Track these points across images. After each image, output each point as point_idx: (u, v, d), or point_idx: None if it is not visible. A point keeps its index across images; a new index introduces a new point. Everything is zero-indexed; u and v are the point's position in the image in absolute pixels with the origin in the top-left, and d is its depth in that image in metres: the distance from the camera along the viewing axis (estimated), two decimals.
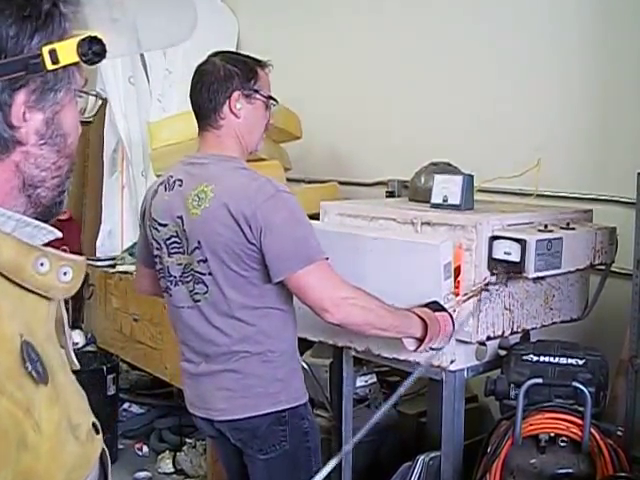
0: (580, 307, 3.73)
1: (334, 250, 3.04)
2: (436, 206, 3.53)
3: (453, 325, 3.06)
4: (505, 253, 3.21)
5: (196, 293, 2.97)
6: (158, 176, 5.20)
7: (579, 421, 3.11)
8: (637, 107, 3.98)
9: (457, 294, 3.24)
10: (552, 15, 4.36)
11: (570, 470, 3.08)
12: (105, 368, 5.51)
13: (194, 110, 3.04)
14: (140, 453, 5.67)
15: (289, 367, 3.05)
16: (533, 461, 3.11)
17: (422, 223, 3.39)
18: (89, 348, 5.91)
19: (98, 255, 6.12)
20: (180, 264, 2.99)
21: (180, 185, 2.97)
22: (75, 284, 1.25)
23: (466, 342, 3.32)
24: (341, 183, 5.37)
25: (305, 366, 3.99)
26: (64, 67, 1.22)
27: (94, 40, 1.23)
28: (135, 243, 5.74)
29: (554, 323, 3.63)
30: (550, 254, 3.25)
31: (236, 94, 2.97)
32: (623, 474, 3.05)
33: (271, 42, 6.17)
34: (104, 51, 1.24)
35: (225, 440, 3.13)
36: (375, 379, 4.27)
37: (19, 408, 1.07)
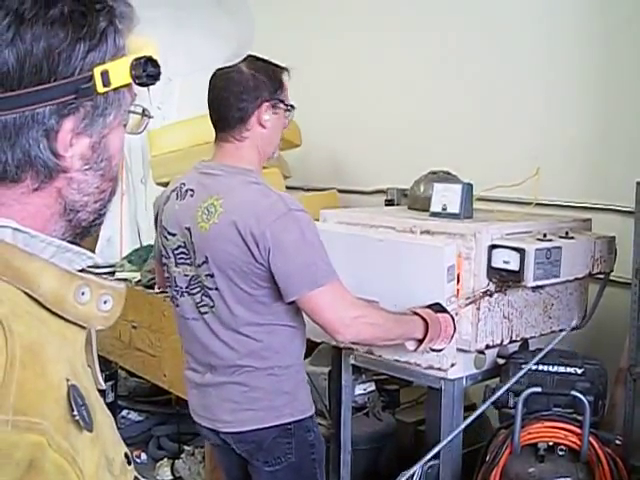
0: (579, 316, 3.73)
1: (339, 251, 3.09)
2: (435, 215, 3.53)
3: (454, 327, 3.07)
4: (504, 262, 3.21)
5: (203, 305, 2.94)
6: (158, 184, 5.23)
7: (578, 430, 3.11)
8: (636, 116, 3.99)
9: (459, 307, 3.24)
10: (550, 24, 4.37)
11: (569, 479, 3.07)
12: (104, 375, 5.48)
13: (214, 118, 2.95)
14: (138, 460, 5.65)
15: (295, 380, 3.03)
16: (532, 470, 3.11)
17: (421, 232, 3.39)
18: None
19: (96, 261, 6.12)
20: (187, 275, 2.96)
21: (192, 195, 2.91)
22: (115, 313, 1.20)
23: (465, 350, 3.32)
24: (340, 191, 5.37)
25: None
26: (115, 89, 1.15)
27: (149, 61, 1.16)
28: (134, 250, 5.76)
29: (553, 332, 3.63)
30: (549, 263, 3.25)
31: (265, 105, 2.92)
32: None
33: (271, 49, 6.16)
34: (159, 73, 1.18)
35: (230, 450, 3.11)
36: (374, 387, 4.26)
37: (66, 459, 1.03)
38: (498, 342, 3.40)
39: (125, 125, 1.24)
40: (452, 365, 3.22)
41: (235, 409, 2.97)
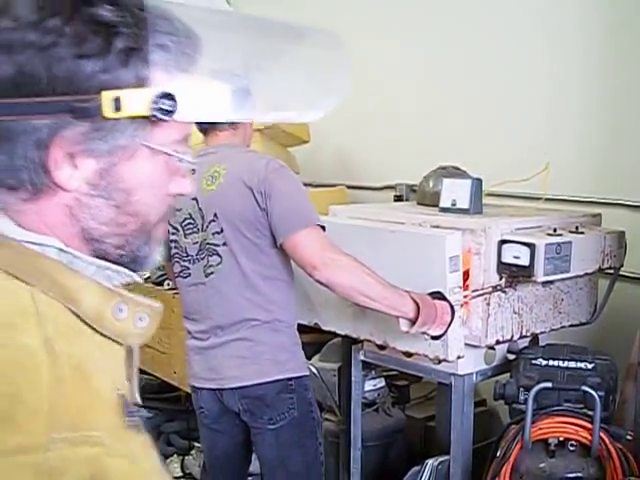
0: (589, 311, 3.72)
1: (345, 242, 3.16)
2: (445, 210, 3.53)
3: (452, 315, 3.06)
4: (514, 257, 3.21)
5: (210, 266, 3.21)
6: None
7: (588, 425, 3.10)
8: None
9: (466, 297, 3.23)
10: (560, 19, 4.36)
11: (579, 474, 3.06)
12: None
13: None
14: None
15: (293, 339, 3.30)
16: (542, 465, 3.10)
17: (431, 227, 3.39)
18: None
19: None
20: (196, 242, 3.24)
21: (193, 173, 2.96)
22: (150, 330, 1.20)
23: (475, 346, 3.32)
24: (349, 187, 5.37)
25: (314, 370, 4.01)
26: (131, 118, 1.11)
27: (167, 96, 1.11)
28: None
29: (563, 327, 3.63)
30: (559, 258, 3.25)
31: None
32: (633, 478, 3.05)
33: None
34: (173, 111, 1.12)
35: (231, 418, 3.32)
36: (384, 383, 4.26)
37: (127, 459, 1.05)
38: (508, 337, 3.39)
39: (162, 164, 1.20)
40: (459, 357, 3.21)
41: (241, 364, 3.20)
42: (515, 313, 3.38)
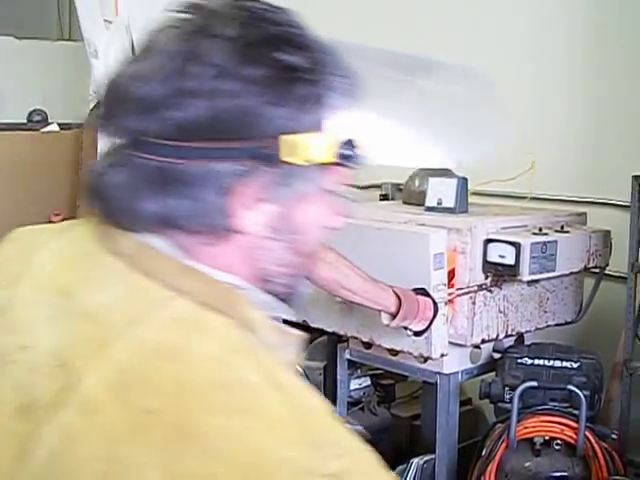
0: (574, 310, 3.73)
1: (330, 239, 3.07)
2: (430, 209, 3.53)
3: (435, 312, 3.05)
4: (500, 256, 3.21)
5: None
6: None
7: (574, 424, 3.11)
8: (632, 109, 3.99)
9: (451, 296, 3.24)
10: (543, 19, 4.36)
11: (565, 473, 3.07)
12: None
13: None
14: None
15: None
16: (528, 464, 3.11)
17: (417, 225, 3.39)
18: None
19: None
20: None
21: None
22: (300, 359, 1.22)
23: (461, 345, 3.32)
24: None
25: (299, 369, 4.00)
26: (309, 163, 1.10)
27: (349, 142, 1.11)
28: None
29: (548, 326, 3.63)
30: (544, 257, 3.25)
31: None
32: (618, 477, 3.06)
33: None
34: (358, 158, 1.13)
35: None
36: (369, 382, 4.26)
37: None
38: (494, 336, 3.40)
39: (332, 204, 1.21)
40: (442, 355, 3.21)
41: None
42: (501, 312, 3.39)
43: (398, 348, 3.32)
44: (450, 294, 3.21)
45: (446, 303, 3.18)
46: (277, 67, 1.08)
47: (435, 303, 3.06)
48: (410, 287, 3.07)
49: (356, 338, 3.54)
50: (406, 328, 3.06)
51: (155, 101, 1.06)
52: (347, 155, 1.11)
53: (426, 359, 3.39)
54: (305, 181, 1.12)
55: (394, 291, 3.00)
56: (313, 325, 3.64)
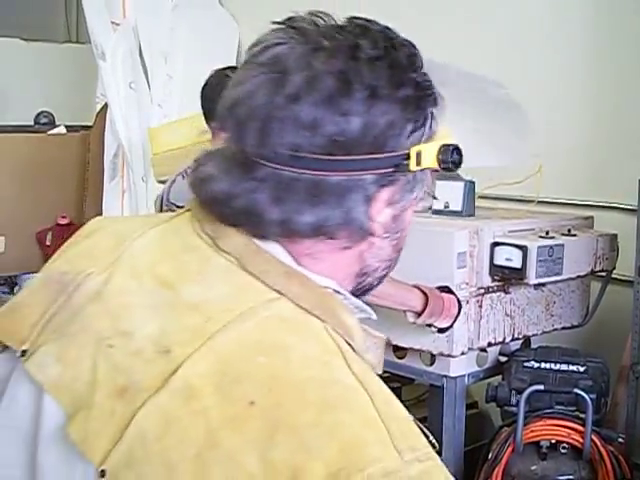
0: (581, 314, 3.72)
1: None
2: (437, 212, 3.53)
3: (459, 308, 3.09)
4: (506, 259, 3.21)
5: None
6: (159, 182, 5.23)
7: (580, 428, 3.11)
8: (639, 113, 3.98)
9: None
10: (552, 21, 4.36)
11: (571, 477, 3.07)
12: None
13: (211, 110, 3.27)
14: None
15: None
16: (534, 468, 3.11)
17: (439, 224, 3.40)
18: None
19: None
20: None
21: None
22: (382, 360, 1.29)
23: (467, 348, 3.32)
24: None
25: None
26: (423, 169, 1.23)
27: (456, 149, 1.23)
28: None
29: (555, 329, 3.63)
30: (551, 260, 3.25)
31: None
32: None
33: None
34: (461, 162, 1.25)
35: None
36: None
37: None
38: (500, 340, 3.39)
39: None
40: (463, 353, 3.24)
41: None
42: (507, 315, 3.39)
43: (417, 347, 3.33)
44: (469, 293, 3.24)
45: (468, 302, 3.20)
46: (414, 87, 1.22)
47: (459, 300, 3.10)
48: (433, 286, 3.10)
49: None
50: (430, 325, 3.09)
51: (311, 120, 1.15)
52: (453, 161, 1.23)
53: (432, 362, 3.40)
54: (422, 186, 1.27)
55: (420, 289, 3.03)
56: None
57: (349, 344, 1.17)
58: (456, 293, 3.12)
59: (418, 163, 1.20)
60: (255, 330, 1.12)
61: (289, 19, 1.26)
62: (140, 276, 1.21)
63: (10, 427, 1.21)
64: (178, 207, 3.16)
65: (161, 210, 3.35)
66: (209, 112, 3.38)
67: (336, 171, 1.16)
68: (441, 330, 3.11)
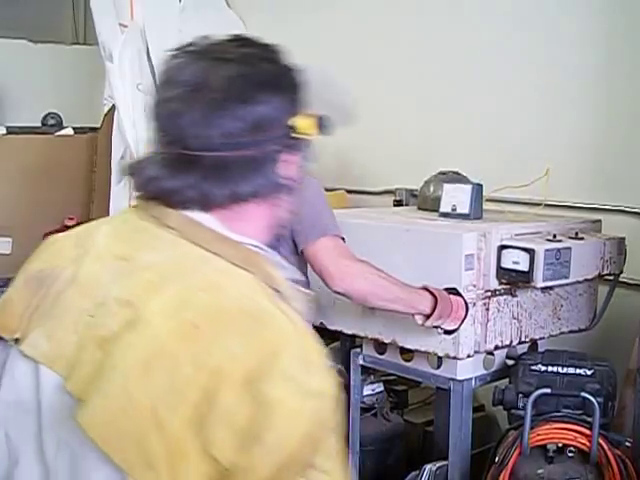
0: (588, 317, 3.72)
1: (358, 241, 3.25)
2: (445, 215, 3.53)
3: (466, 310, 3.11)
4: (514, 262, 3.21)
5: None
6: None
7: (587, 431, 3.10)
8: None
9: None
10: (561, 23, 4.36)
11: None
12: None
13: None
14: None
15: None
16: (541, 471, 3.10)
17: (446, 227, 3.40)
18: None
19: None
20: None
21: None
22: (307, 312, 1.54)
23: (474, 351, 3.32)
24: (349, 191, 5.36)
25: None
26: (306, 138, 1.61)
27: (326, 119, 1.64)
28: None
29: (562, 333, 3.63)
30: (559, 264, 3.25)
31: None
32: None
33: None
34: (331, 127, 1.66)
35: None
36: (382, 388, 4.26)
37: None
38: (507, 343, 3.40)
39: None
40: (469, 356, 3.26)
41: None
42: (514, 319, 3.39)
43: (423, 349, 3.34)
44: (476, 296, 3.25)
45: (475, 304, 3.21)
46: (293, 85, 1.63)
47: (466, 302, 3.12)
48: (440, 288, 3.11)
49: (377, 340, 3.55)
50: (437, 327, 3.11)
51: (229, 115, 1.51)
52: (325, 126, 1.64)
53: (439, 365, 3.40)
54: (307, 149, 1.64)
55: (429, 290, 3.05)
56: (331, 328, 3.67)
57: (277, 291, 1.48)
58: (463, 295, 3.12)
59: (302, 133, 1.59)
60: (199, 278, 1.44)
61: (189, 44, 1.61)
62: (103, 259, 1.51)
63: (13, 402, 1.49)
64: None
65: None
66: None
67: (252, 148, 1.52)
68: (447, 332, 3.13)
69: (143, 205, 1.56)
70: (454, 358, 3.26)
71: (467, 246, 3.19)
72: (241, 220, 1.55)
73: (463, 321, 3.11)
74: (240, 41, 1.61)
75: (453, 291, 3.12)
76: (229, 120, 1.50)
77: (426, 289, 3.06)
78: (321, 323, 3.68)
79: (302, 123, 1.59)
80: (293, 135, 1.58)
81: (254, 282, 1.46)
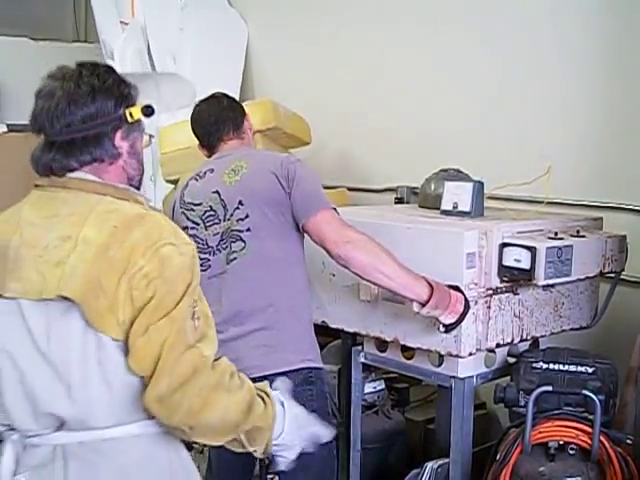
0: (590, 315, 3.72)
1: None
2: (446, 213, 3.53)
3: (466, 306, 3.12)
4: (515, 260, 3.21)
5: (233, 252, 3.31)
6: (167, 181, 5.25)
7: (588, 429, 3.10)
8: None
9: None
10: (560, 21, 4.36)
11: (579, 478, 3.06)
12: None
13: (213, 128, 3.64)
14: None
15: (311, 328, 3.40)
16: (542, 469, 3.10)
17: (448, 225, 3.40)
18: None
19: None
20: (217, 233, 3.36)
21: (211, 172, 3.47)
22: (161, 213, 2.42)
23: (476, 349, 3.32)
24: (350, 189, 5.37)
25: None
26: (137, 120, 2.35)
27: (149, 106, 2.36)
28: None
29: (563, 331, 3.63)
30: (560, 262, 3.25)
31: (246, 115, 3.75)
32: None
33: (280, 48, 6.17)
34: (154, 111, 2.36)
35: None
36: (383, 385, 4.27)
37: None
38: (509, 341, 3.40)
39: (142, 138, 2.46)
40: (470, 354, 3.27)
41: (266, 352, 3.24)
42: (516, 316, 3.39)
43: (425, 347, 3.34)
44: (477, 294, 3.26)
45: (476, 302, 3.21)
46: (123, 91, 2.35)
47: (467, 300, 3.12)
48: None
49: (378, 338, 3.55)
50: (437, 322, 3.13)
51: (78, 110, 2.29)
52: (149, 111, 2.36)
53: (440, 363, 3.40)
54: (139, 128, 2.39)
55: (426, 280, 3.07)
56: (333, 326, 3.68)
57: (144, 206, 2.30)
58: (465, 293, 3.12)
59: (132, 117, 2.32)
60: (102, 209, 2.20)
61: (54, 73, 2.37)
62: (35, 222, 2.25)
63: (11, 332, 2.20)
64: (195, 205, 3.43)
65: (173, 212, 3.49)
66: (210, 125, 3.66)
67: (90, 129, 2.27)
68: (447, 329, 3.12)
69: (42, 182, 2.33)
70: (456, 356, 3.26)
71: (468, 244, 3.20)
72: (107, 173, 2.32)
73: (463, 317, 3.12)
74: (85, 67, 2.34)
75: (454, 288, 3.13)
76: (68, 117, 2.25)
77: (424, 278, 3.08)
78: (323, 322, 3.69)
79: (133, 111, 2.32)
80: (128, 119, 2.32)
81: (132, 204, 2.27)
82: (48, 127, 2.28)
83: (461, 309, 3.11)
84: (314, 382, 3.27)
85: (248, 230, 3.27)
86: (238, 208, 3.30)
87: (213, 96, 3.75)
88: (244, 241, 3.28)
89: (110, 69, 2.40)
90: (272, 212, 3.26)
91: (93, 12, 6.36)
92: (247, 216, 3.28)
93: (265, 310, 3.24)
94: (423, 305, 3.05)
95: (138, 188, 2.42)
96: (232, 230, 3.30)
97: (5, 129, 6.90)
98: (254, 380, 3.20)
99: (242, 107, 3.77)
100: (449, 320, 3.11)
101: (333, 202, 3.27)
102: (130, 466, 2.20)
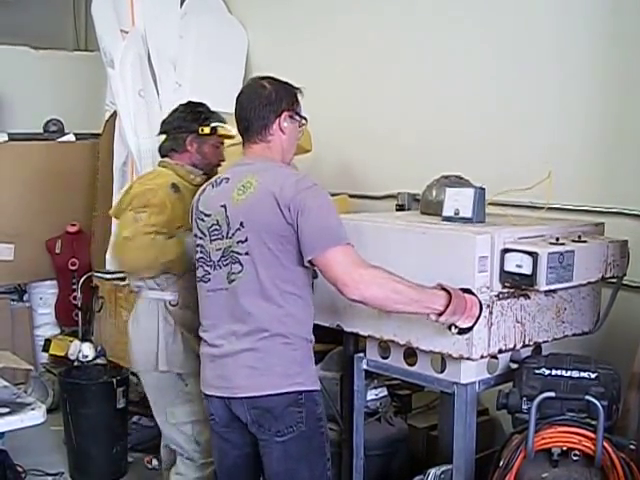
0: (592, 320, 3.72)
1: (370, 244, 3.35)
2: (448, 219, 3.53)
3: (480, 309, 3.12)
4: (517, 266, 3.20)
5: (232, 273, 3.26)
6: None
7: (591, 435, 3.09)
8: None
9: None
10: (562, 23, 4.36)
11: None
12: (115, 381, 5.51)
13: (244, 125, 3.41)
14: (150, 466, 5.65)
15: (306, 352, 3.33)
16: (545, 475, 3.09)
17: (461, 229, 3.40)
18: (99, 361, 5.87)
19: (108, 268, 6.10)
20: (219, 249, 3.31)
21: (227, 182, 3.37)
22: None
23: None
24: (351, 196, 5.37)
25: None
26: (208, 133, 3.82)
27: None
28: None
29: (566, 336, 3.62)
30: (562, 267, 3.25)
31: (285, 114, 3.39)
32: None
33: (280, 55, 6.17)
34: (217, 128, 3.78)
35: (239, 428, 3.35)
36: (386, 392, 4.26)
37: None
38: (511, 346, 3.39)
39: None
40: (482, 357, 3.27)
41: (251, 374, 3.23)
42: (518, 322, 3.38)
43: (437, 350, 3.34)
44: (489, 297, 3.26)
45: (488, 306, 3.22)
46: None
47: (480, 302, 3.13)
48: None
49: (393, 341, 3.54)
50: (451, 327, 3.13)
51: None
52: (214, 130, 3.79)
53: (443, 369, 3.39)
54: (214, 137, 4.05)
55: (443, 287, 3.08)
56: (347, 330, 3.70)
57: None
58: (477, 296, 3.14)
59: (203, 131, 3.81)
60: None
61: None
62: None
63: None
64: (206, 216, 3.38)
65: (192, 212, 3.52)
66: (241, 121, 3.43)
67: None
68: (461, 332, 3.13)
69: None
70: (467, 359, 3.25)
71: (481, 248, 3.20)
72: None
73: (477, 320, 3.13)
74: None
75: (467, 291, 3.14)
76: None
77: (441, 287, 3.08)
78: (338, 325, 3.69)
79: (204, 128, 3.46)
80: (200, 133, 3.65)
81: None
82: None
83: (477, 312, 3.12)
84: (303, 404, 3.24)
85: (247, 254, 3.22)
86: (239, 229, 3.24)
87: (256, 80, 3.49)
88: (242, 264, 3.23)
89: None
90: (271, 240, 3.18)
91: (93, 21, 6.36)
92: (246, 239, 3.22)
93: (257, 334, 3.22)
94: (441, 313, 3.05)
95: None
96: (232, 251, 3.26)
97: (6, 138, 6.91)
98: (240, 400, 3.26)
99: (283, 100, 3.41)
100: (466, 324, 3.12)
101: (347, 237, 3.15)
102: None
